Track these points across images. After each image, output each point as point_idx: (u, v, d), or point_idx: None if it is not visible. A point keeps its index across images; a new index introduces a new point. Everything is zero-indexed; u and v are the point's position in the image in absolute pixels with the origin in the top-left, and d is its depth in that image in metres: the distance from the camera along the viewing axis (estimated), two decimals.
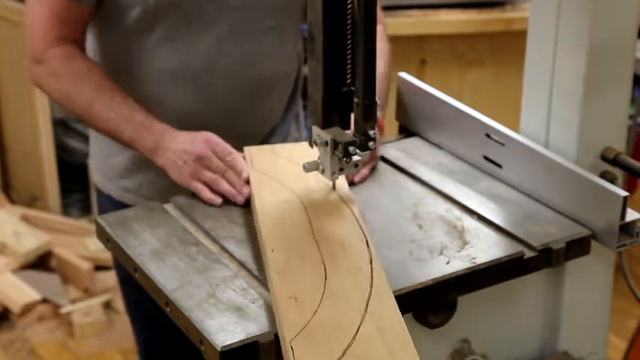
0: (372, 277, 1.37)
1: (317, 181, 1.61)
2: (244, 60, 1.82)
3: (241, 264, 1.49)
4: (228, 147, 1.67)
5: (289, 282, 1.36)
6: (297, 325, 1.27)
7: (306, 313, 1.30)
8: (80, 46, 1.84)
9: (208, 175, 1.64)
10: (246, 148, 1.72)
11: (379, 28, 1.83)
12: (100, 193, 2.02)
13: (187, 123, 1.76)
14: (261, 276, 1.45)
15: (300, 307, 1.31)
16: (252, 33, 1.81)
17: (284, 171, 1.66)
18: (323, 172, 1.54)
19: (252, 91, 1.86)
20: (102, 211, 1.98)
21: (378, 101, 1.51)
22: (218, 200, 1.64)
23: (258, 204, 1.56)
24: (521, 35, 1.75)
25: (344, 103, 1.51)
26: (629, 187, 1.71)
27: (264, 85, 1.88)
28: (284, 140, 1.98)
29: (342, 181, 1.62)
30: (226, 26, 1.79)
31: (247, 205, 1.67)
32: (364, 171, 1.71)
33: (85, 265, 3.41)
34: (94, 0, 1.79)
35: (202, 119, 1.80)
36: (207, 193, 1.64)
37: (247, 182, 1.64)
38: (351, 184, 1.68)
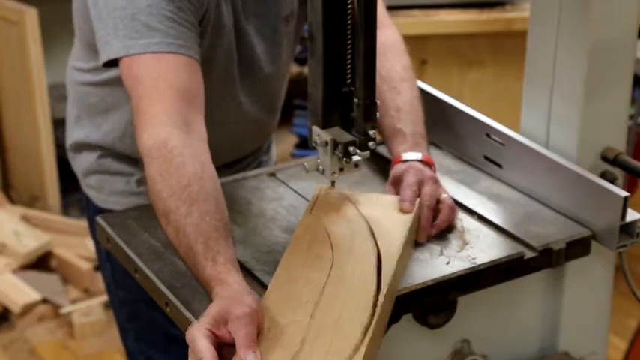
0: None
1: (365, 243, 1.45)
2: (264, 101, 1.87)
3: (241, 264, 1.49)
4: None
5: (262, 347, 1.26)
6: None
7: None
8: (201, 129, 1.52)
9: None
10: (319, 187, 1.59)
11: (400, 48, 1.80)
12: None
13: None
14: (261, 277, 1.46)
15: None
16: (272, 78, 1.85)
17: (341, 224, 1.51)
18: (323, 172, 1.54)
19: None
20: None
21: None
22: None
23: (285, 257, 1.44)
24: (522, 35, 1.75)
25: (344, 103, 1.51)
26: (629, 187, 1.71)
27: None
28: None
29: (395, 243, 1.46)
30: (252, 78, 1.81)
31: (247, 205, 1.67)
32: (439, 225, 1.57)
33: (85, 265, 3.41)
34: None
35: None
36: None
37: None
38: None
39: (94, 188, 1.91)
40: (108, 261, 1.90)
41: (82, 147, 1.91)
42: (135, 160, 1.82)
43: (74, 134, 1.92)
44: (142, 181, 1.88)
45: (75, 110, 1.92)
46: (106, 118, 1.84)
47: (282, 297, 1.34)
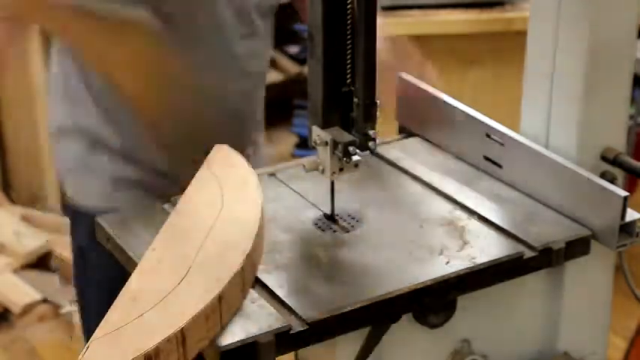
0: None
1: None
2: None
3: None
4: None
5: (144, 280, 1.36)
6: (113, 325, 1.24)
7: (132, 315, 1.26)
8: None
9: None
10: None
11: None
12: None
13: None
14: (261, 276, 1.46)
15: (133, 308, 1.27)
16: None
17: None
18: (323, 172, 1.54)
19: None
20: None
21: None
22: None
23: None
24: (522, 35, 1.75)
25: (344, 103, 1.51)
26: (629, 187, 1.71)
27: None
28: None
29: None
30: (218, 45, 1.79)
31: None
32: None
33: None
34: None
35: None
36: None
37: None
38: None
39: (71, 186, 1.93)
40: (81, 258, 1.91)
41: (64, 132, 1.92)
42: (116, 153, 1.84)
43: (58, 116, 1.94)
44: (118, 183, 1.88)
45: (60, 90, 1.93)
46: (88, 98, 1.85)
47: (172, 235, 1.46)
